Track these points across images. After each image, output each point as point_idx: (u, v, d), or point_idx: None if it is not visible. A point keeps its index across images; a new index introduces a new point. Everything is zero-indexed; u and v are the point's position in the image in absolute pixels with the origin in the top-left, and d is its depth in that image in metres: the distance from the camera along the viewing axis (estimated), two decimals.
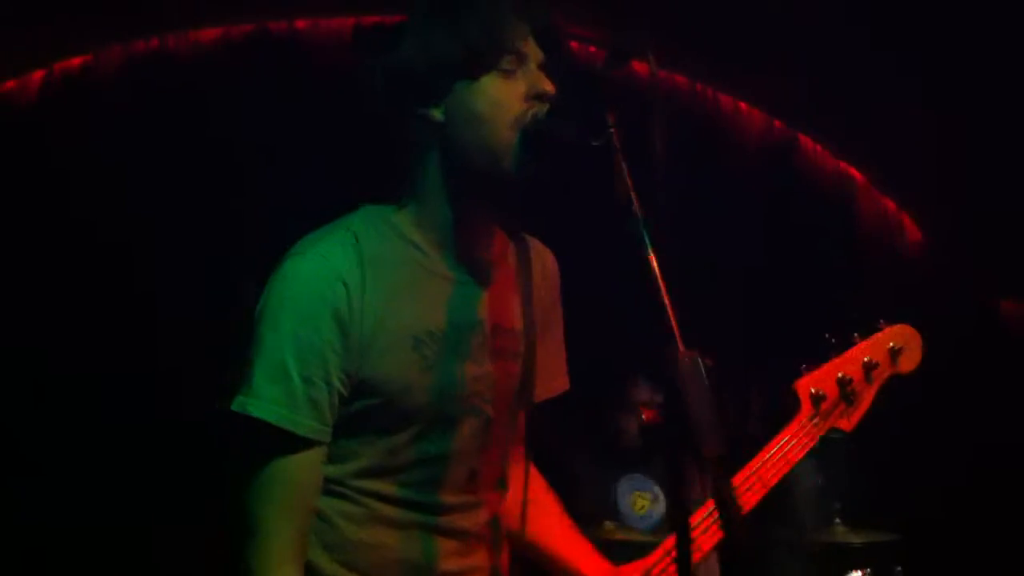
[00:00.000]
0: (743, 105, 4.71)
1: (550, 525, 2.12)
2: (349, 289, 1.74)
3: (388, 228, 1.82)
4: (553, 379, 2.07)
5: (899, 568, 3.64)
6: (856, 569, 3.62)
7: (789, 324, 4.15)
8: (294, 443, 1.73)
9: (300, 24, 4.71)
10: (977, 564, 4.22)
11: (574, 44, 4.54)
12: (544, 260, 2.06)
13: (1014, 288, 4.92)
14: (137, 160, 4.36)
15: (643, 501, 3.96)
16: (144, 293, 4.27)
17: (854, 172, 4.82)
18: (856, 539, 3.73)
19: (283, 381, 1.72)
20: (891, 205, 4.84)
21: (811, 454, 3.91)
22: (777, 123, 4.73)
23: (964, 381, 4.48)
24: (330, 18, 4.67)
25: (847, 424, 2.22)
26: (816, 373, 2.19)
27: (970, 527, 4.29)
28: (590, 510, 3.69)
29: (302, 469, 1.75)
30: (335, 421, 1.76)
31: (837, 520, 3.80)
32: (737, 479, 2.08)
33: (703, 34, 4.39)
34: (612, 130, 1.53)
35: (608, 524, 3.71)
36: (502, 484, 1.97)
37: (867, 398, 2.21)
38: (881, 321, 2.23)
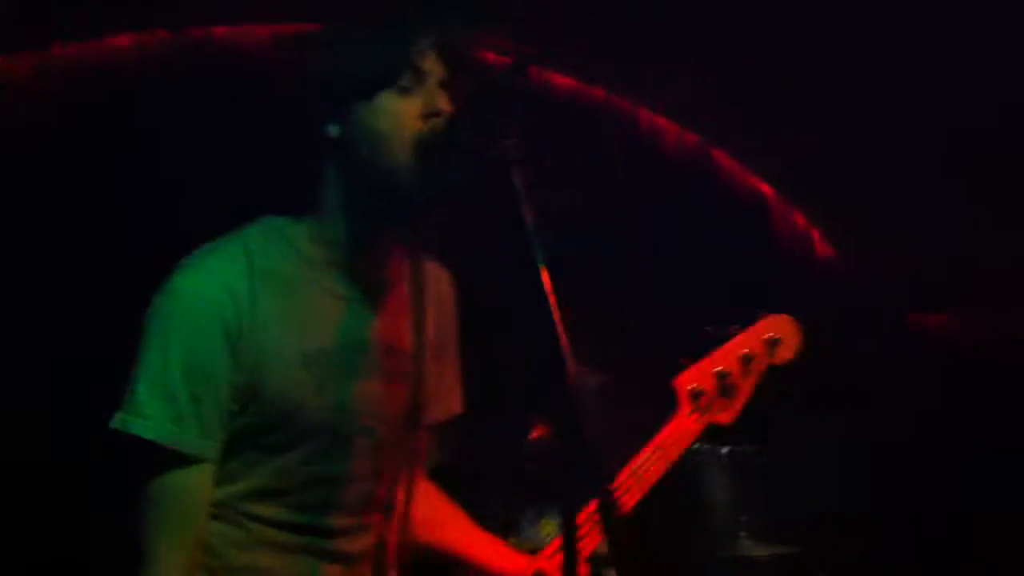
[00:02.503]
0: (658, 119, 4.74)
1: (457, 529, 2.13)
2: (238, 305, 1.72)
3: (284, 243, 1.81)
4: (446, 402, 2.06)
5: None
6: None
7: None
8: (181, 462, 1.69)
9: (218, 31, 4.65)
10: None
11: (490, 55, 4.59)
12: (441, 282, 2.05)
13: (931, 302, 4.99)
14: (49, 170, 4.25)
15: (549, 527, 3.92)
16: (63, 301, 4.15)
17: (764, 187, 4.87)
18: (761, 552, 3.74)
19: (168, 398, 1.68)
20: (800, 220, 4.90)
21: (721, 467, 3.96)
22: (690, 136, 4.77)
23: (874, 393, 4.53)
24: (251, 26, 4.62)
25: (726, 417, 2.23)
26: (694, 369, 2.21)
27: (873, 541, 4.31)
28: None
29: (190, 488, 1.72)
30: (224, 440, 1.73)
31: (743, 533, 3.80)
32: (618, 479, 2.07)
33: (620, 47, 4.42)
34: (509, 141, 1.51)
35: (512, 540, 3.66)
36: (390, 507, 1.94)
37: (745, 390, 2.24)
38: (759, 312, 2.23)
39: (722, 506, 3.91)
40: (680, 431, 2.17)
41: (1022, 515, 4.28)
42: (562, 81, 4.51)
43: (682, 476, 3.85)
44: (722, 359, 2.19)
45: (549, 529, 3.97)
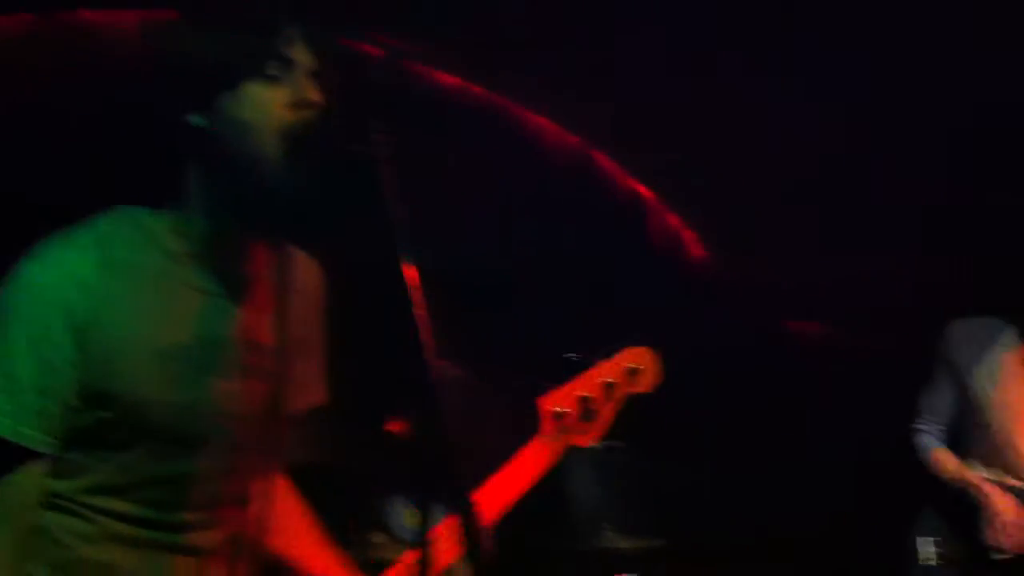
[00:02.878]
0: (542, 120, 4.80)
1: (298, 537, 2.09)
2: (87, 297, 1.67)
3: (140, 233, 1.75)
4: (309, 392, 2.02)
5: (661, 572, 3.78)
6: (623, 574, 3.74)
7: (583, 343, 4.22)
8: (18, 454, 1.67)
9: (87, 15, 4.51)
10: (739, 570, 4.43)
11: (376, 51, 4.57)
12: (307, 272, 1.99)
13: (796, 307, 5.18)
14: None
15: (414, 518, 3.94)
16: None
17: (642, 189, 4.99)
18: (624, 544, 3.85)
19: (7, 391, 1.66)
20: (676, 222, 5.03)
21: (585, 461, 4.05)
22: (571, 139, 4.85)
23: (739, 394, 4.69)
24: (119, 11, 4.49)
25: (587, 440, 2.30)
26: (558, 392, 2.27)
27: (735, 535, 4.48)
28: (357, 522, 3.66)
29: (25, 480, 1.69)
30: (67, 434, 1.70)
31: (606, 526, 3.91)
32: (478, 494, 2.10)
33: (503, 48, 4.46)
34: (378, 138, 1.50)
35: (377, 537, 3.69)
36: (245, 501, 1.91)
37: (606, 416, 2.30)
38: (621, 344, 2.33)
39: (587, 499, 4.00)
40: (541, 451, 2.22)
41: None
42: (446, 79, 4.54)
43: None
44: (585, 385, 2.26)
45: (413, 519, 4.01)
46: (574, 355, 2.31)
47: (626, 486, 4.06)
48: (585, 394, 2.26)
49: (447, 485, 1.45)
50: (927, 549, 3.55)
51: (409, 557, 2.12)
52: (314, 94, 1.70)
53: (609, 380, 2.28)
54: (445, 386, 1.39)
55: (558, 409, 2.25)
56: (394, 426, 3.86)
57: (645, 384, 2.33)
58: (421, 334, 1.40)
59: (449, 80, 4.58)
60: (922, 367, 3.76)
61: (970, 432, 3.66)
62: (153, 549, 1.77)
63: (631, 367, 2.30)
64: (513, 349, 4.10)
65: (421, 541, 1.54)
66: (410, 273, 1.43)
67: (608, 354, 2.31)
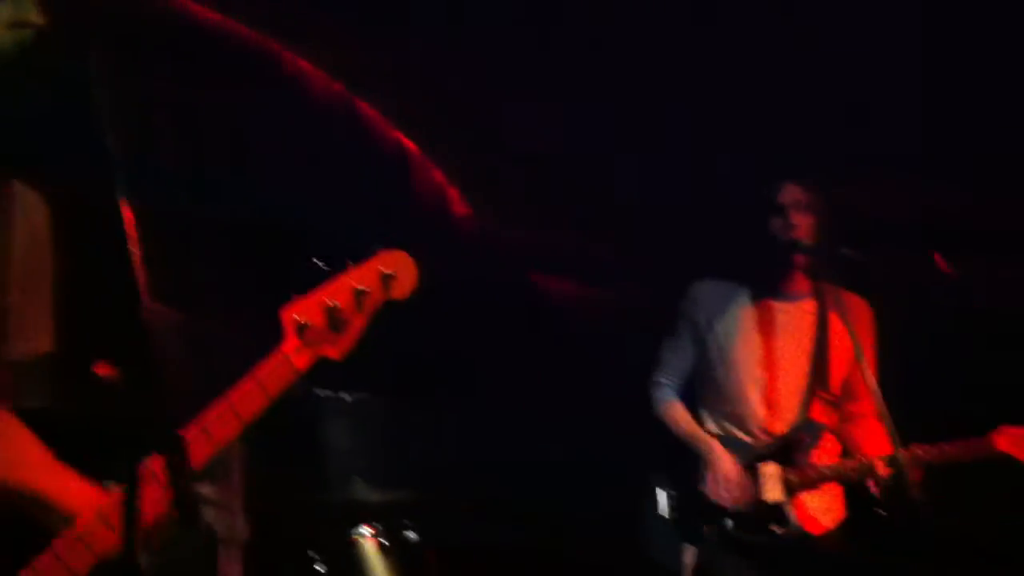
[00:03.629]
0: (304, 63, 4.66)
1: (27, 466, 1.95)
2: None
3: None
4: (33, 339, 1.91)
5: (408, 523, 3.77)
6: (369, 525, 3.70)
7: None
8: None
9: None
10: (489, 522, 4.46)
11: None
12: (30, 206, 1.87)
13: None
14: None
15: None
16: None
17: (407, 142, 4.94)
18: (373, 497, 3.81)
19: None
20: (440, 177, 5.01)
21: (340, 413, 3.97)
22: (336, 86, 4.73)
23: (491, 348, 4.72)
24: None
25: (335, 352, 2.17)
26: (303, 302, 2.13)
27: (484, 488, 4.51)
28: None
29: None
30: None
31: (358, 479, 3.86)
32: (212, 413, 1.98)
33: None
34: (104, 66, 1.43)
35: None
36: None
37: (357, 325, 2.18)
38: (375, 247, 2.22)
39: (340, 452, 3.95)
40: (282, 365, 2.08)
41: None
42: (204, 13, 4.31)
43: (301, 421, 3.84)
44: (333, 293, 2.13)
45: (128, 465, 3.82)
46: (322, 263, 2.19)
47: (377, 438, 4.02)
48: (333, 303, 2.14)
49: (157, 428, 1.41)
50: (662, 502, 3.64)
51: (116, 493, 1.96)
52: (36, 16, 1.64)
53: (361, 287, 2.16)
54: (161, 329, 1.35)
55: (301, 320, 2.11)
56: (103, 370, 3.64)
57: (401, 291, 2.21)
58: (134, 275, 1.36)
59: (207, 14, 4.34)
60: (664, 322, 3.86)
61: (706, 387, 3.79)
62: None
63: (386, 272, 2.19)
64: (264, 297, 3.95)
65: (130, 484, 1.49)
66: (127, 212, 1.37)
67: (360, 259, 2.19)
